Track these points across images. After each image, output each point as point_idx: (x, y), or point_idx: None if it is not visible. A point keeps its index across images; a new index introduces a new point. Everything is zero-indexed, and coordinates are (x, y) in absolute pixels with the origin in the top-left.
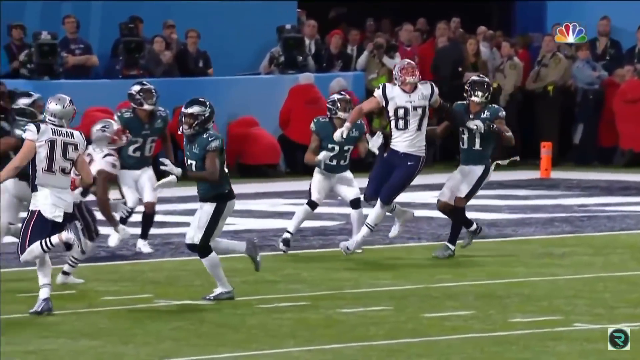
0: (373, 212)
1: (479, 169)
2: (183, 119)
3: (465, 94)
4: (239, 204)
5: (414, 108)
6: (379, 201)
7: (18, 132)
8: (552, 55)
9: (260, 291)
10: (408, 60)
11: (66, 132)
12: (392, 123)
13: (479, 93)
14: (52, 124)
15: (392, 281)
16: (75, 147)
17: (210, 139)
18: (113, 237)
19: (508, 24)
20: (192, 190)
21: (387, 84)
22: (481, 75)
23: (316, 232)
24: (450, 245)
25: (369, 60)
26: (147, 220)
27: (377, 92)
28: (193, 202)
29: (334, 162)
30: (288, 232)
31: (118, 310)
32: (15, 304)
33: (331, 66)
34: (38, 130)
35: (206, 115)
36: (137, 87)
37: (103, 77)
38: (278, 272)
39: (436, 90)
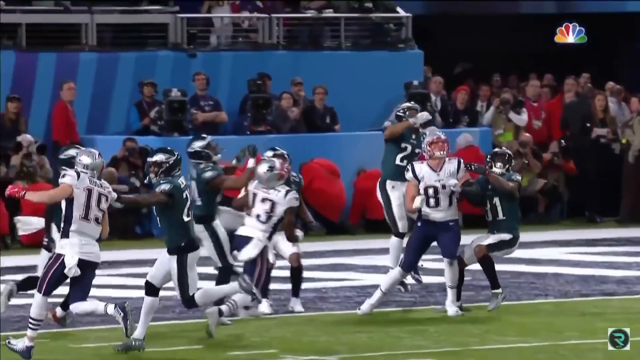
0: (448, 273)
1: (506, 235)
2: (149, 168)
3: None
4: (365, 259)
5: (443, 187)
6: (448, 260)
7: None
8: None
9: (385, 346)
10: (438, 134)
11: (100, 183)
12: (423, 201)
13: (500, 164)
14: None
15: (519, 338)
16: (107, 198)
17: (161, 182)
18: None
19: (637, 79)
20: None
21: (415, 164)
22: (503, 147)
23: (442, 288)
24: (496, 291)
25: (496, 116)
26: (296, 275)
27: (409, 175)
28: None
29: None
30: (391, 268)
31: None
32: None
33: (457, 122)
34: (78, 177)
35: (170, 163)
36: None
37: (231, 133)
38: (404, 326)
39: (462, 166)
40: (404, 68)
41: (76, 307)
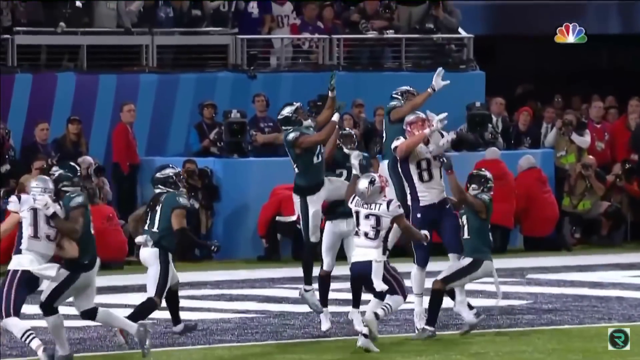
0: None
1: (465, 260)
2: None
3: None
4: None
5: (435, 158)
6: (454, 255)
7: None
8: None
9: None
10: (417, 114)
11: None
12: (416, 177)
13: (474, 186)
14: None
15: None
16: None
17: (72, 195)
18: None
19: None
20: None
21: None
22: (483, 170)
23: (503, 312)
24: (428, 328)
25: (558, 137)
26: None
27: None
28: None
29: None
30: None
31: None
32: None
33: (519, 143)
34: (19, 200)
35: (65, 175)
36: None
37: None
38: (465, 351)
39: (446, 136)
40: (465, 89)
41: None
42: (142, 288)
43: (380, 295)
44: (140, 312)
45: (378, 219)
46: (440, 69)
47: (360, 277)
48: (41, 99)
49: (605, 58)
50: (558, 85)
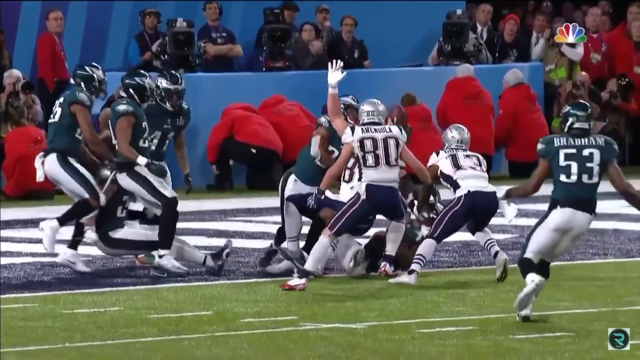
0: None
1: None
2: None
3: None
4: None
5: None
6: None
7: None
8: None
9: (420, 313)
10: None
11: None
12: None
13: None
14: None
15: (573, 303)
16: None
17: None
18: None
19: None
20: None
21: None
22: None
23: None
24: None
25: (547, 49)
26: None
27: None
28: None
29: None
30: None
31: (259, 334)
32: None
33: (505, 56)
34: None
35: None
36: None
37: (245, 69)
38: (442, 291)
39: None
40: None
41: None
42: None
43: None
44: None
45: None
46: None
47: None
48: None
49: None
50: None
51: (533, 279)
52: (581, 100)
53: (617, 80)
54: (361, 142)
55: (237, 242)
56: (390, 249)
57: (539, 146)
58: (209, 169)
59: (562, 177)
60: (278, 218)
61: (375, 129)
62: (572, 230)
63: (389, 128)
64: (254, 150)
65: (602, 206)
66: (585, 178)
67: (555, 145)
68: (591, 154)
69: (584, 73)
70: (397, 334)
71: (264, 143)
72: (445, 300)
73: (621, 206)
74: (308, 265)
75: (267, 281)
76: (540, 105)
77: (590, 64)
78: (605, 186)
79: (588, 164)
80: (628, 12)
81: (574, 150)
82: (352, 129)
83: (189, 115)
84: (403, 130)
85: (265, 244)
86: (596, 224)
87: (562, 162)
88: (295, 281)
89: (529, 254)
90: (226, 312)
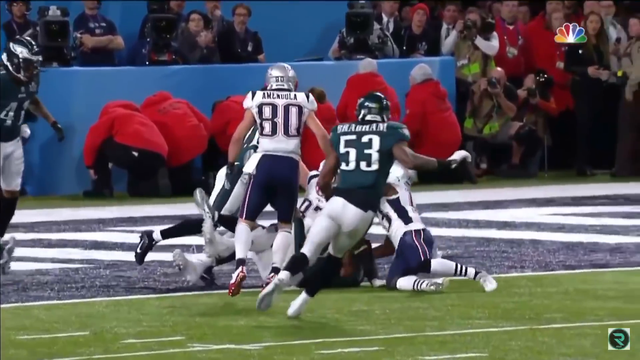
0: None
1: None
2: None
3: None
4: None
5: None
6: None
7: None
8: None
9: (321, 333)
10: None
11: None
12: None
13: None
14: None
15: (487, 321)
16: None
17: None
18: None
19: None
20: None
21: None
22: None
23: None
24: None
25: (459, 42)
26: None
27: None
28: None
29: None
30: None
31: (142, 356)
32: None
33: (413, 49)
34: None
35: None
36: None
37: (127, 63)
38: (344, 308)
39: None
40: None
41: None
42: None
43: None
44: None
45: None
46: None
47: None
48: None
49: None
50: None
51: (280, 277)
52: (377, 93)
53: (535, 77)
54: (260, 107)
55: (118, 255)
56: (277, 260)
57: (330, 135)
58: (86, 173)
59: (343, 165)
60: (163, 227)
61: (278, 95)
62: (343, 224)
63: (295, 95)
64: (135, 153)
65: (519, 214)
66: (363, 165)
67: (338, 132)
68: (370, 140)
69: (499, 69)
70: (294, 355)
71: (147, 145)
72: (347, 319)
73: (539, 215)
74: (239, 255)
75: (151, 297)
76: (452, 103)
77: (506, 59)
78: (521, 192)
79: (366, 151)
80: (547, 2)
81: (353, 137)
82: (253, 94)
83: (39, 77)
84: (311, 97)
85: (149, 256)
86: (513, 234)
87: (342, 149)
88: (234, 279)
89: (304, 249)
90: (105, 333)
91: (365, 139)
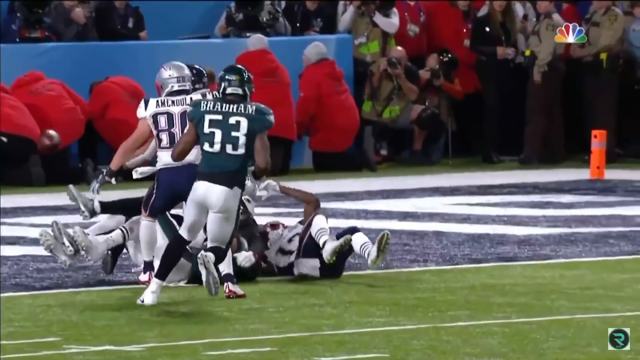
0: None
1: None
2: None
3: None
4: None
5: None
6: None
7: None
8: (607, 11)
9: (208, 332)
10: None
11: None
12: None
13: None
14: None
15: (388, 319)
16: None
17: None
18: None
19: None
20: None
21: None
22: None
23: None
24: None
25: (356, 18)
26: None
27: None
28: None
29: None
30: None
31: (14, 359)
32: None
33: (307, 26)
34: None
35: None
36: None
37: None
38: (234, 305)
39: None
40: None
41: None
42: None
43: None
44: None
45: None
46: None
47: None
48: None
49: None
50: None
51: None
52: (238, 65)
53: (439, 57)
54: (154, 117)
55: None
56: (226, 267)
57: (188, 109)
58: None
59: (206, 146)
60: (36, 219)
61: (172, 102)
62: (210, 206)
63: (190, 99)
64: (4, 139)
65: (421, 204)
66: (229, 148)
67: (202, 109)
68: (238, 122)
69: (399, 48)
70: (180, 357)
71: (16, 130)
72: (238, 317)
73: (443, 205)
74: (145, 256)
75: (24, 295)
76: (349, 85)
77: (407, 37)
78: (424, 181)
79: (234, 133)
80: None
81: (219, 117)
82: (146, 102)
83: None
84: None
85: (20, 250)
86: (415, 226)
87: (207, 129)
88: (142, 277)
89: (182, 231)
90: None
91: (232, 120)
